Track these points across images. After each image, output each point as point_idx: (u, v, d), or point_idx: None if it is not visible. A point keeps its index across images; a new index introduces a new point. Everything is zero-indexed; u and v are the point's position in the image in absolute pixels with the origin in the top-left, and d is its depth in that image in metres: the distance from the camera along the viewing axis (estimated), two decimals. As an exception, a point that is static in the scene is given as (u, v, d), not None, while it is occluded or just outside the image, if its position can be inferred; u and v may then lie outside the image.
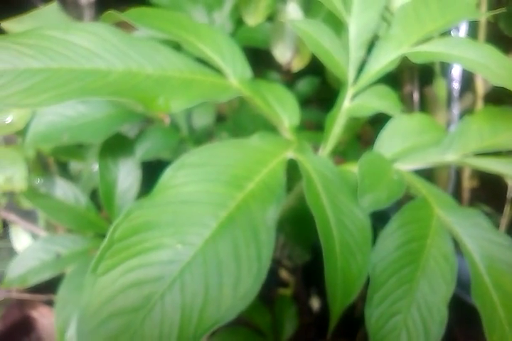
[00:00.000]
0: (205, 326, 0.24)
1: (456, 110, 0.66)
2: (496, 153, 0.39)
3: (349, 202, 0.31)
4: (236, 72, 0.34)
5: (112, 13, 0.34)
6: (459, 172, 0.70)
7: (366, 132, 0.78)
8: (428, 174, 0.71)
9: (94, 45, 0.29)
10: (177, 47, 0.40)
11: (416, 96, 0.60)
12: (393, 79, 0.61)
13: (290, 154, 0.32)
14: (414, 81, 0.59)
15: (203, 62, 0.34)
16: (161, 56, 0.31)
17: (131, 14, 0.35)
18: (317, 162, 0.32)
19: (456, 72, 0.62)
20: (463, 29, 0.56)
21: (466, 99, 0.67)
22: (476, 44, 0.42)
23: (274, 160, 0.30)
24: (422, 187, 0.35)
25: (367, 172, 0.34)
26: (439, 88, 0.57)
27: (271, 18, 0.59)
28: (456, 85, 0.64)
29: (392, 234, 0.32)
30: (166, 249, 0.25)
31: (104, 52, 0.29)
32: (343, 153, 0.68)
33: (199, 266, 0.24)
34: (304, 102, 0.82)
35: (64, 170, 0.64)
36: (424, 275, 0.30)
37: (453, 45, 0.42)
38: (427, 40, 0.43)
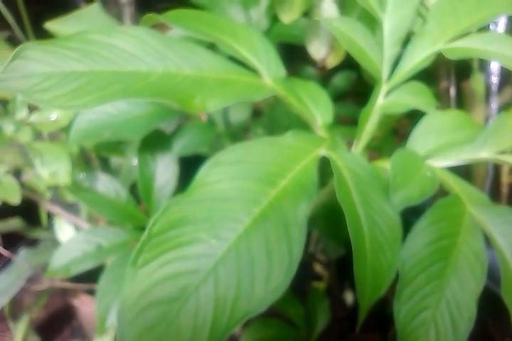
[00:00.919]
0: (238, 317, 0.25)
1: (494, 105, 0.65)
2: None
3: (380, 199, 0.31)
4: (270, 71, 0.35)
5: (152, 16, 0.35)
6: (497, 168, 0.69)
7: (403, 126, 0.78)
8: (466, 169, 0.70)
9: (135, 48, 0.31)
10: (211, 45, 0.41)
11: (452, 91, 0.59)
12: (429, 74, 0.61)
13: (322, 151, 0.33)
14: (450, 76, 0.59)
15: (238, 61, 0.35)
16: (198, 57, 0.32)
17: (169, 16, 0.36)
18: (349, 159, 0.33)
19: (494, 66, 0.61)
20: (501, 25, 0.55)
21: (505, 93, 0.66)
22: (514, 40, 0.41)
23: (306, 158, 0.31)
24: (455, 185, 0.35)
25: (399, 169, 0.35)
26: (476, 83, 0.56)
27: (307, 13, 0.59)
28: (494, 79, 0.63)
29: (423, 230, 0.32)
30: (201, 243, 0.26)
31: (145, 55, 0.30)
32: (377, 149, 0.68)
33: (232, 260, 0.26)
34: (340, 97, 0.82)
35: (105, 165, 0.66)
36: (454, 272, 0.31)
37: (489, 41, 0.41)
38: (463, 35, 0.42)
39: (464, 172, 0.71)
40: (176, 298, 0.25)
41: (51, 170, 0.52)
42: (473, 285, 0.30)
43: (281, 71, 0.36)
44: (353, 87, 0.81)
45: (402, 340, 0.30)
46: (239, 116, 0.69)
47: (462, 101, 0.63)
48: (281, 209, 0.28)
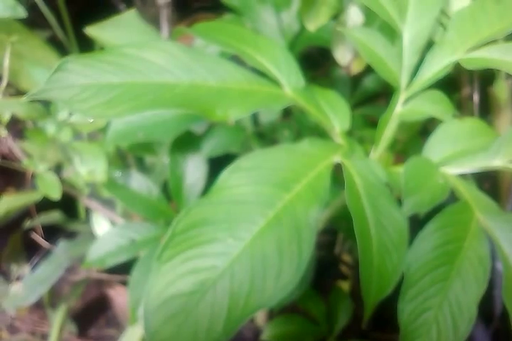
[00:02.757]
0: (250, 310, 0.27)
1: (522, 110, 0.65)
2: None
3: (389, 204, 0.33)
4: (290, 81, 0.37)
5: (182, 29, 0.38)
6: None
7: (435, 125, 0.78)
8: (493, 175, 0.70)
9: (165, 61, 0.33)
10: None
11: (476, 97, 0.60)
12: (453, 80, 0.62)
13: (337, 158, 0.35)
14: (474, 82, 0.59)
15: (260, 72, 0.38)
16: (222, 69, 0.35)
17: (198, 29, 0.39)
18: (362, 166, 0.35)
19: (522, 72, 0.61)
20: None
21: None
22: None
23: (320, 164, 0.33)
24: (465, 191, 0.37)
25: (411, 176, 0.37)
26: (499, 90, 0.57)
27: (336, 17, 0.61)
28: (522, 85, 0.63)
29: (429, 235, 0.34)
30: (219, 242, 0.29)
31: (173, 68, 0.33)
32: (403, 152, 0.69)
33: (247, 258, 0.28)
34: (371, 98, 0.83)
35: (140, 162, 0.70)
36: (458, 276, 0.32)
37: (508, 51, 0.42)
38: (482, 45, 0.43)
39: (491, 178, 0.71)
40: (196, 291, 0.28)
41: (89, 168, 0.56)
42: (475, 288, 0.32)
43: (301, 81, 0.38)
44: (384, 88, 0.82)
45: (404, 338, 0.32)
46: (268, 117, 0.72)
47: (488, 107, 0.64)
48: (294, 213, 0.30)
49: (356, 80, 0.80)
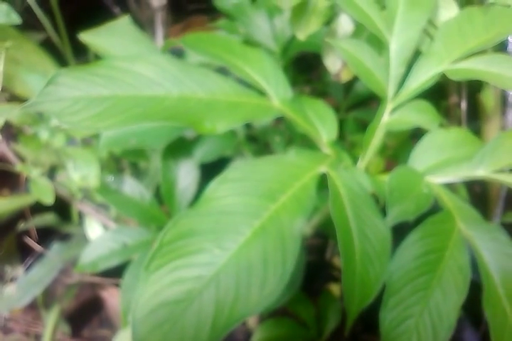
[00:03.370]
0: (235, 318, 0.28)
1: (511, 116, 0.66)
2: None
3: (373, 215, 0.34)
4: (278, 93, 0.38)
5: (172, 41, 0.39)
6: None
7: (426, 129, 0.79)
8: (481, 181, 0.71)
9: (155, 74, 0.34)
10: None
11: (463, 105, 0.61)
12: (441, 88, 0.63)
13: (323, 169, 0.36)
14: (461, 90, 0.60)
15: (247, 83, 0.38)
16: (210, 81, 0.35)
17: (188, 40, 0.39)
18: (347, 177, 0.36)
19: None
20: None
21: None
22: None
23: (306, 175, 0.34)
24: (448, 201, 0.38)
25: (396, 185, 0.37)
26: (486, 97, 0.58)
27: (328, 24, 0.61)
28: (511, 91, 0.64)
29: (412, 245, 0.35)
30: (205, 253, 0.29)
31: (163, 81, 0.34)
32: (394, 156, 0.70)
33: (232, 267, 0.29)
34: (363, 102, 0.84)
35: (134, 165, 0.70)
36: (438, 285, 0.33)
37: (493, 62, 0.43)
38: (469, 56, 0.44)
39: (482, 182, 0.72)
40: (182, 300, 0.29)
41: (82, 174, 0.57)
42: (455, 297, 0.33)
43: (289, 92, 0.39)
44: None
45: (385, 346, 0.33)
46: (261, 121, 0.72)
47: (476, 114, 0.65)
48: (280, 223, 0.31)
49: (349, 83, 0.81)
